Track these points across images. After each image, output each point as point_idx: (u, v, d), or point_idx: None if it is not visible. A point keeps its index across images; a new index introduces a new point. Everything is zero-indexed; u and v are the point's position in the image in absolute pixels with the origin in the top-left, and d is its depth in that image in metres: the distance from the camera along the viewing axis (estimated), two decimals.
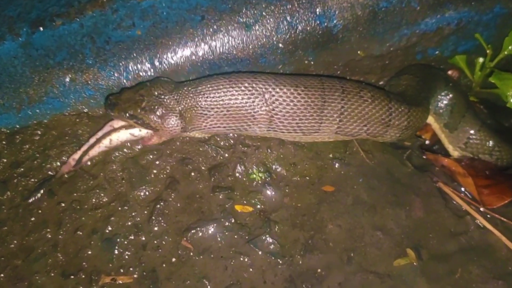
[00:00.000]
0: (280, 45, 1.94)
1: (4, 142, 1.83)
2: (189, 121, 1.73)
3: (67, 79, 1.84)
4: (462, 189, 1.90)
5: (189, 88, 1.72)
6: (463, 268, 1.65)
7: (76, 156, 1.75)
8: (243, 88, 1.70)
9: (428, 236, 1.73)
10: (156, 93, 1.71)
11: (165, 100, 1.70)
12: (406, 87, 2.02)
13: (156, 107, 1.68)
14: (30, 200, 1.72)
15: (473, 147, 2.13)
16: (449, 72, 2.32)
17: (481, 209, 1.80)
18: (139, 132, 1.76)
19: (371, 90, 1.80)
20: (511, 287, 1.60)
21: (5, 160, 1.81)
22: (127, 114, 1.68)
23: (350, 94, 1.75)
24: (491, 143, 2.10)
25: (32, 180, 1.78)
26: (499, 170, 2.08)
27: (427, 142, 2.26)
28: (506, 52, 2.15)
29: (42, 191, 1.72)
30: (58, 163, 1.80)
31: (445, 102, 2.17)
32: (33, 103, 1.84)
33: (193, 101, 1.71)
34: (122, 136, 1.77)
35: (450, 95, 2.16)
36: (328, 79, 1.81)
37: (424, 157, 2.02)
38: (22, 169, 1.80)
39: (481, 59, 2.25)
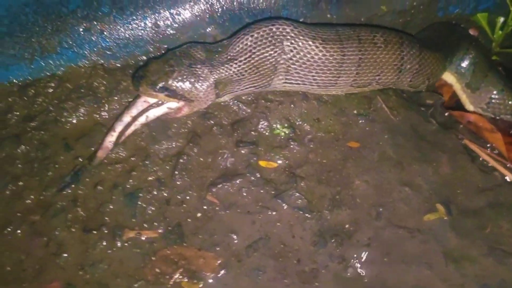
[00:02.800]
0: None
1: (16, 95, 1.74)
2: (223, 88, 1.65)
3: (82, 29, 1.75)
4: (488, 145, 1.87)
5: (220, 56, 1.64)
6: (493, 223, 1.63)
7: (113, 138, 1.62)
8: (267, 43, 1.63)
9: (456, 192, 1.71)
10: (187, 62, 1.60)
11: (197, 69, 1.59)
12: (427, 38, 1.97)
13: (189, 77, 1.58)
14: (65, 191, 1.60)
15: (495, 108, 2.10)
16: (470, 31, 2.28)
17: (508, 165, 1.78)
18: (177, 104, 1.64)
19: (384, 33, 1.77)
20: None
21: (17, 113, 1.73)
22: (158, 87, 1.55)
23: (366, 43, 1.71)
24: None
25: (47, 134, 1.69)
26: None
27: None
28: None
29: (80, 174, 1.61)
30: (74, 117, 1.72)
31: (467, 61, 2.13)
32: (46, 54, 1.76)
33: (227, 69, 1.62)
34: (159, 111, 1.64)
35: (473, 54, 2.13)
36: (344, 28, 1.75)
37: (446, 114, 1.98)
38: (35, 123, 1.72)
39: (502, 18, 2.22)
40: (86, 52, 1.77)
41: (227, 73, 1.62)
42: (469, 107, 2.17)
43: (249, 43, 1.62)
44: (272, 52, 1.64)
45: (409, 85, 1.92)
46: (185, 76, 1.57)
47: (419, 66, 1.85)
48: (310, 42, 1.66)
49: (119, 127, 1.61)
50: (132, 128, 1.63)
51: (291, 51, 1.66)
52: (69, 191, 1.59)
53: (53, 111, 1.73)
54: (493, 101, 2.09)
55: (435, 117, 1.95)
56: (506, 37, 2.24)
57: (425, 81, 1.95)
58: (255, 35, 1.63)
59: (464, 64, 2.14)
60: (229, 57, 1.63)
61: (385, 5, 2.00)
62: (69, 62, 1.77)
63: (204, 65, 1.60)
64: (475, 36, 2.24)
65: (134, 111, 1.62)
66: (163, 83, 1.55)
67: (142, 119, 1.63)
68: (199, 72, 1.59)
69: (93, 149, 1.67)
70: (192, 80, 1.58)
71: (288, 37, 1.64)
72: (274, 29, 1.64)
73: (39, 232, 1.54)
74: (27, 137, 1.69)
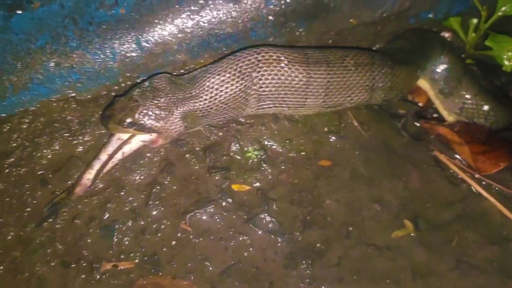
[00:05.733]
0: (270, 17, 1.88)
1: None
2: (191, 121, 1.69)
3: (52, 64, 1.77)
4: (458, 156, 1.90)
5: (184, 91, 1.66)
6: (459, 236, 1.67)
7: (91, 176, 1.66)
8: (233, 78, 1.67)
9: (425, 206, 1.75)
10: (151, 95, 1.63)
11: (161, 102, 1.62)
12: (398, 51, 1.99)
13: (154, 110, 1.61)
14: (44, 225, 1.65)
15: (468, 112, 2.12)
16: (443, 34, 2.29)
17: (476, 176, 1.81)
18: (150, 136, 1.68)
19: (354, 55, 1.79)
20: (506, 252, 1.63)
21: None
22: (126, 123, 1.59)
23: (335, 67, 1.73)
24: (487, 107, 2.10)
25: (24, 169, 1.74)
26: (493, 134, 2.09)
27: (420, 104, 2.26)
28: (499, 13, 2.12)
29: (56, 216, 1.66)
30: (49, 151, 1.76)
31: (440, 67, 2.15)
32: (18, 91, 1.78)
33: (191, 106, 1.66)
34: (134, 145, 1.69)
35: (446, 60, 2.14)
36: (314, 51, 1.78)
37: (418, 124, 2.01)
38: (12, 159, 1.75)
39: (475, 20, 2.22)
40: (57, 86, 1.80)
41: (191, 108, 1.65)
42: (443, 112, 2.19)
43: (215, 83, 1.66)
44: (241, 87, 1.68)
45: (383, 100, 1.94)
46: (150, 110, 1.61)
47: (391, 83, 1.87)
48: (276, 64, 1.68)
49: (96, 165, 1.65)
50: (110, 165, 1.68)
51: (260, 79, 1.69)
52: (46, 225, 1.64)
53: (28, 146, 1.77)
54: (466, 106, 2.11)
55: (407, 129, 1.97)
56: (479, 40, 2.24)
57: (398, 94, 1.97)
58: (221, 78, 1.66)
59: (438, 70, 2.15)
60: (194, 93, 1.66)
61: (354, 18, 2.00)
62: (41, 97, 1.80)
63: (168, 98, 1.63)
64: (448, 41, 2.25)
65: (110, 149, 1.66)
66: (130, 119, 1.59)
67: (118, 156, 1.68)
68: (163, 105, 1.62)
69: (69, 183, 1.71)
70: (157, 113, 1.61)
71: (255, 68, 1.67)
72: (240, 64, 1.67)
73: (20, 268, 1.59)
74: (5, 173, 1.73)
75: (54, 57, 1.77)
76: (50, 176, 1.73)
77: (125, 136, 1.66)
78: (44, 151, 1.77)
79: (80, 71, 1.80)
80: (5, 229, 1.65)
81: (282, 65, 1.69)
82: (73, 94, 1.83)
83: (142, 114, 1.60)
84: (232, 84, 1.66)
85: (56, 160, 1.77)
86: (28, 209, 1.68)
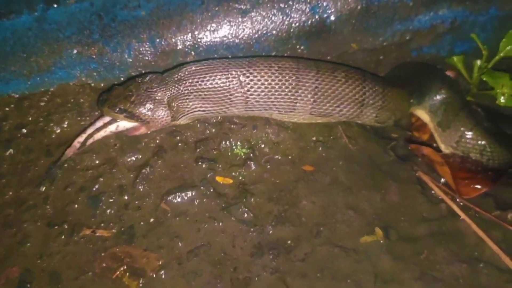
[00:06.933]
0: (274, 32, 2.04)
1: (12, 106, 2.00)
2: (177, 110, 1.84)
3: (75, 52, 2.00)
4: (442, 180, 1.91)
5: (171, 77, 1.84)
6: (429, 250, 1.66)
7: (81, 139, 1.84)
8: (218, 74, 1.81)
9: (399, 219, 1.76)
10: (145, 87, 1.82)
11: (153, 93, 1.81)
12: (395, 77, 2.07)
13: (145, 100, 1.80)
14: (42, 189, 1.80)
15: (463, 146, 2.13)
16: (447, 73, 2.36)
17: (457, 199, 1.81)
18: (135, 124, 1.86)
19: (346, 70, 1.88)
20: (475, 272, 1.60)
21: (11, 121, 1.98)
22: (117, 109, 1.78)
23: (324, 75, 1.83)
24: (482, 142, 2.10)
25: (34, 141, 1.93)
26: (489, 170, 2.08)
27: (424, 138, 2.29)
28: (502, 54, 2.18)
29: (53, 178, 1.82)
30: (59, 127, 1.95)
31: (439, 100, 2.19)
32: (42, 72, 2.01)
33: (175, 89, 1.82)
34: (128, 123, 1.87)
35: (445, 93, 2.19)
36: (306, 60, 1.90)
37: (409, 148, 2.05)
38: (25, 131, 1.96)
39: (479, 61, 2.28)
40: (77, 73, 2.02)
41: (175, 92, 1.81)
42: (441, 145, 2.21)
43: (200, 71, 1.82)
44: (225, 86, 1.81)
45: (376, 120, 2.01)
46: (141, 100, 1.79)
47: (382, 102, 1.94)
48: (267, 70, 1.82)
49: (89, 130, 1.84)
50: (101, 133, 1.84)
51: (248, 84, 1.82)
52: (42, 190, 1.80)
53: (42, 121, 1.97)
54: (462, 140, 2.13)
55: (396, 151, 2.01)
56: (482, 80, 2.29)
57: (391, 116, 2.03)
58: (208, 67, 1.82)
59: (436, 102, 2.20)
60: (178, 77, 1.83)
61: (355, 43, 2.13)
62: (61, 80, 2.02)
63: (158, 88, 1.81)
64: (449, 77, 2.32)
65: (106, 118, 1.85)
66: (122, 106, 1.77)
67: (112, 128, 1.85)
68: (154, 95, 1.80)
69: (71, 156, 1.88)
70: (148, 103, 1.79)
71: (245, 72, 1.81)
72: (231, 65, 1.82)
73: (10, 224, 1.73)
74: (17, 142, 1.93)
75: (77, 47, 2.00)
76: (55, 148, 1.91)
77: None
78: (54, 127, 1.96)
79: (98, 61, 2.02)
80: (6, 189, 1.82)
81: (273, 70, 1.82)
82: (90, 82, 2.04)
83: (133, 103, 1.78)
84: (217, 77, 1.81)
85: (63, 136, 1.95)
86: (29, 174, 1.85)
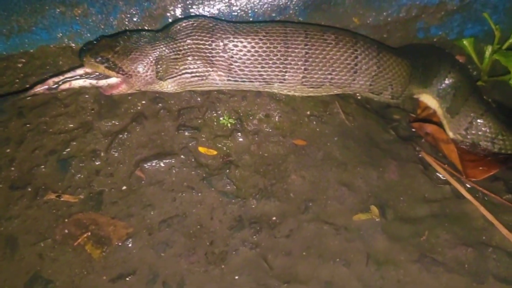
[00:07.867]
0: (270, 0, 1.91)
1: None
2: (165, 69, 1.70)
3: (57, 11, 1.88)
4: (447, 162, 1.74)
5: (162, 34, 1.72)
6: (430, 232, 1.48)
7: (57, 79, 1.70)
8: (203, 33, 1.68)
9: (398, 199, 1.59)
10: (133, 39, 1.69)
11: (140, 45, 1.67)
12: (401, 51, 1.92)
13: (130, 51, 1.65)
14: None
15: (473, 134, 1.97)
16: (456, 57, 2.21)
17: (463, 179, 1.64)
18: (116, 79, 1.70)
19: (335, 32, 1.74)
20: (481, 255, 1.42)
21: None
22: (99, 57, 1.63)
23: (313, 38, 1.69)
24: (494, 129, 1.94)
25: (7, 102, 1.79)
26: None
27: None
28: None
29: (7, 102, 1.70)
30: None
31: (448, 84, 2.04)
32: (22, 32, 1.89)
33: (164, 45, 1.68)
34: (111, 80, 1.72)
35: (454, 77, 2.04)
36: (293, 24, 1.75)
37: (412, 129, 1.88)
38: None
39: (490, 47, 2.13)
40: (58, 35, 1.89)
41: (165, 50, 1.67)
42: (449, 133, 2.04)
43: (188, 28, 1.69)
44: (207, 45, 1.68)
45: (370, 90, 1.85)
46: (127, 50, 1.64)
47: (377, 68, 1.78)
48: (253, 36, 1.67)
49: (69, 74, 1.70)
50: (79, 82, 1.70)
51: (231, 49, 1.68)
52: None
53: (17, 83, 1.84)
54: (472, 126, 1.96)
55: (397, 131, 1.85)
56: (493, 66, 2.14)
57: (387, 87, 1.87)
58: (194, 24, 1.70)
59: (445, 86, 2.05)
60: (167, 35, 1.69)
61: (357, 17, 1.99)
62: (41, 41, 1.89)
63: (147, 43, 1.66)
64: (459, 61, 2.16)
65: (86, 69, 1.70)
66: (105, 54, 1.62)
67: (92, 80, 1.70)
68: (141, 48, 1.65)
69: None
70: (133, 53, 1.64)
71: (229, 36, 1.67)
72: (216, 26, 1.70)
73: None
74: None
75: (61, 6, 1.88)
76: (28, 111, 1.77)
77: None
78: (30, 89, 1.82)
79: (82, 23, 1.89)
80: None
81: (260, 36, 1.68)
82: (72, 44, 1.91)
83: (117, 53, 1.63)
84: (200, 36, 1.67)
85: (38, 99, 1.80)
86: None
